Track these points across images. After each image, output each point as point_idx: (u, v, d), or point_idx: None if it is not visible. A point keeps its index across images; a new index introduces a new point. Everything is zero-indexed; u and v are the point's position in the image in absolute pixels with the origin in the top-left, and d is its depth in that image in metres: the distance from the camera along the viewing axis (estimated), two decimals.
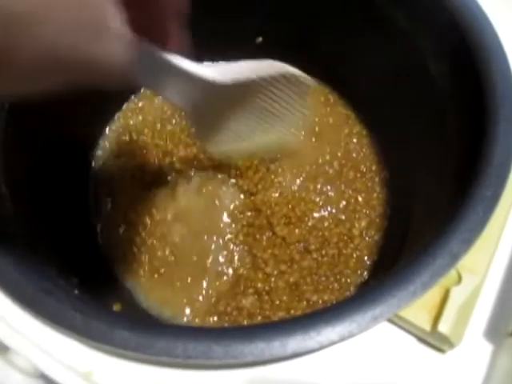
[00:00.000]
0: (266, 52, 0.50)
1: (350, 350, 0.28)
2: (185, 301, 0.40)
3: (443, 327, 0.27)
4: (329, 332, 0.23)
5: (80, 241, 0.43)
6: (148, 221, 0.44)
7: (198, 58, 0.48)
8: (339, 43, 0.45)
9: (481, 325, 0.30)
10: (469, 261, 0.25)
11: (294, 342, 0.23)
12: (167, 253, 0.42)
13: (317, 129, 0.48)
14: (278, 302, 0.40)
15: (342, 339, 0.23)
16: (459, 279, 0.28)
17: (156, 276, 0.42)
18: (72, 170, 0.45)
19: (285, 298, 0.40)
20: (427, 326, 0.28)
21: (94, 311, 0.23)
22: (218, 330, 0.23)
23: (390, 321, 0.29)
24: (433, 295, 0.29)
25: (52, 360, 0.23)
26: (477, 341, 0.29)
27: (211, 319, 0.39)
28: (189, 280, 0.41)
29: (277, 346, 0.23)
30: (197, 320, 0.40)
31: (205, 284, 0.41)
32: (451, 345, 0.28)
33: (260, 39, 0.49)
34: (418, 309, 0.28)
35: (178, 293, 0.41)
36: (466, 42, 0.33)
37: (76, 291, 0.27)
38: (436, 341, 0.29)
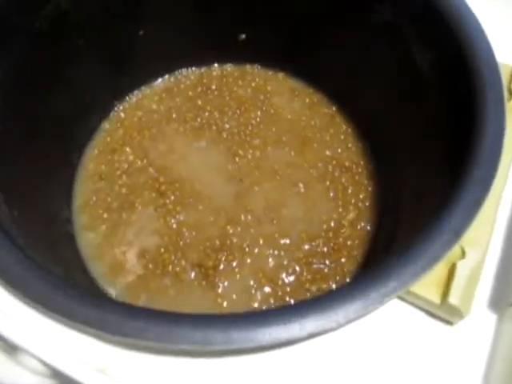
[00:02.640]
0: (248, 50, 0.50)
1: (359, 329, 0.27)
2: None
3: (453, 299, 0.27)
4: (346, 310, 0.22)
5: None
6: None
7: (178, 53, 0.48)
8: (323, 41, 0.45)
9: (484, 296, 0.30)
10: (470, 235, 0.25)
11: (312, 324, 0.22)
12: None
13: (303, 134, 0.47)
14: (280, 293, 0.39)
15: (358, 317, 0.23)
16: (463, 254, 0.29)
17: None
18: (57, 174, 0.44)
19: (288, 289, 0.39)
20: (437, 299, 0.28)
21: (105, 304, 0.22)
22: (234, 316, 0.23)
23: (399, 297, 0.29)
24: (440, 270, 0.29)
25: (65, 357, 0.21)
26: (482, 312, 0.30)
27: None
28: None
29: (295, 328, 0.22)
30: None
31: None
32: (461, 316, 0.28)
33: (243, 36, 0.49)
34: (427, 284, 0.28)
35: None
36: (450, 32, 0.33)
37: (83, 287, 0.25)
38: (445, 313, 0.29)
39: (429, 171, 0.36)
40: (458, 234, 0.25)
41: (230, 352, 0.24)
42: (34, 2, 0.35)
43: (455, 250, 0.24)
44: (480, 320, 0.29)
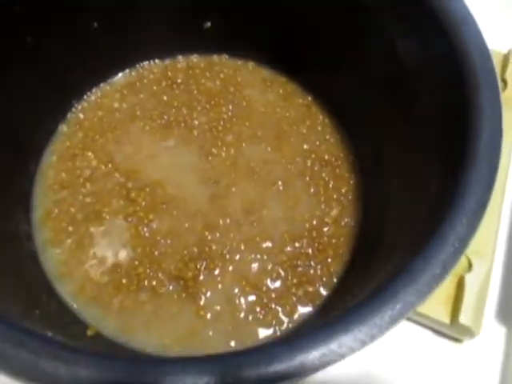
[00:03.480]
0: (214, 39, 0.46)
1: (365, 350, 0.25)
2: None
3: (464, 319, 0.25)
4: (350, 342, 0.20)
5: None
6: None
7: (138, 45, 0.44)
8: (295, 27, 0.42)
9: (492, 309, 0.28)
10: (475, 244, 0.23)
11: (316, 360, 0.20)
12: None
13: (279, 127, 0.44)
14: (265, 301, 0.37)
15: (364, 346, 0.20)
16: (469, 265, 0.27)
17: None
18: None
19: (273, 295, 0.37)
20: (446, 319, 0.26)
21: (77, 358, 0.19)
22: (231, 355, 0.20)
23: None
24: (446, 285, 0.27)
25: None
26: (491, 326, 0.28)
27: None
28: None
29: (296, 365, 0.19)
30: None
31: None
32: (472, 334, 0.26)
33: (208, 24, 0.45)
34: (434, 301, 0.26)
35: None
36: (435, 18, 0.30)
37: (50, 333, 0.22)
38: (455, 332, 0.27)
39: (417, 159, 0.33)
40: (464, 242, 0.23)
41: None
42: None
43: (462, 261, 0.22)
44: (489, 335, 0.28)
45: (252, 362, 0.19)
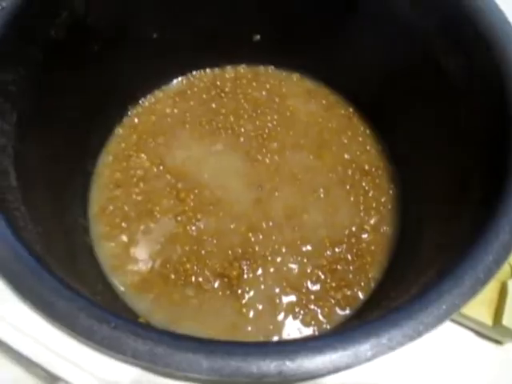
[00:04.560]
0: (263, 51, 0.48)
1: (406, 349, 0.27)
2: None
3: (507, 321, 0.27)
4: (399, 337, 0.22)
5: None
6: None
7: (191, 55, 0.47)
8: (338, 41, 0.44)
9: None
10: None
11: (367, 351, 0.21)
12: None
13: (321, 136, 0.46)
14: (304, 302, 0.38)
15: (411, 341, 0.22)
16: None
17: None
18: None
19: (313, 297, 0.39)
20: (489, 321, 0.27)
21: (152, 335, 0.21)
22: (288, 344, 0.22)
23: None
24: (489, 290, 0.28)
25: None
26: None
27: None
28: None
29: (350, 356, 0.21)
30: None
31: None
32: None
33: (258, 37, 0.47)
34: (477, 304, 0.27)
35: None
36: (479, 34, 0.32)
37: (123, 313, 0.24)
38: (497, 334, 0.28)
39: (453, 179, 0.35)
40: (507, 249, 0.24)
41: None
42: (49, 11, 0.34)
43: (505, 267, 0.23)
44: None
45: (308, 350, 0.21)
